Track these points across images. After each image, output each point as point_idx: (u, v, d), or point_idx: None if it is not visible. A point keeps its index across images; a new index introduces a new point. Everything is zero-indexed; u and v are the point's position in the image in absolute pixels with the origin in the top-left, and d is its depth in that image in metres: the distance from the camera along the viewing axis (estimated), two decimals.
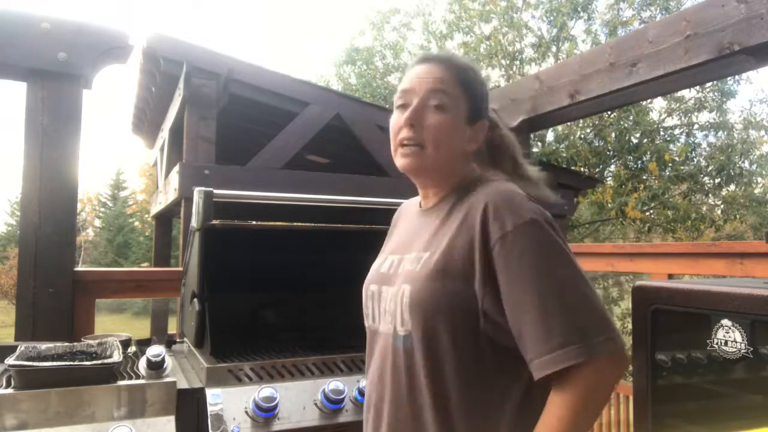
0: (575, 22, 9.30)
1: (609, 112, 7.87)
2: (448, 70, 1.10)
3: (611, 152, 8.69)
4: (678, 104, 9.15)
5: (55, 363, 1.49)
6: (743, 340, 1.08)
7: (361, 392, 1.66)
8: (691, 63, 2.16)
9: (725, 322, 1.11)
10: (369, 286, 1.18)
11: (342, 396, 1.66)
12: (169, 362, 1.65)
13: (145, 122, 6.66)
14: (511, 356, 0.97)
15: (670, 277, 2.71)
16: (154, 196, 7.67)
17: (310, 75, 15.20)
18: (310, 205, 2.07)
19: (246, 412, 1.56)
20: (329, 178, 4.93)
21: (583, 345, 0.89)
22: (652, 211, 8.20)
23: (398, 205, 1.37)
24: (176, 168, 4.53)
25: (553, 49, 9.51)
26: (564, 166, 8.03)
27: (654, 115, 9.18)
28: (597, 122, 8.57)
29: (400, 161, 1.10)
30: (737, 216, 8.64)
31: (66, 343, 1.72)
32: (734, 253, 2.38)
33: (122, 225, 22.79)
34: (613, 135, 8.44)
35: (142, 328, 9.43)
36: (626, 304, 10.00)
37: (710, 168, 8.18)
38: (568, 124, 8.69)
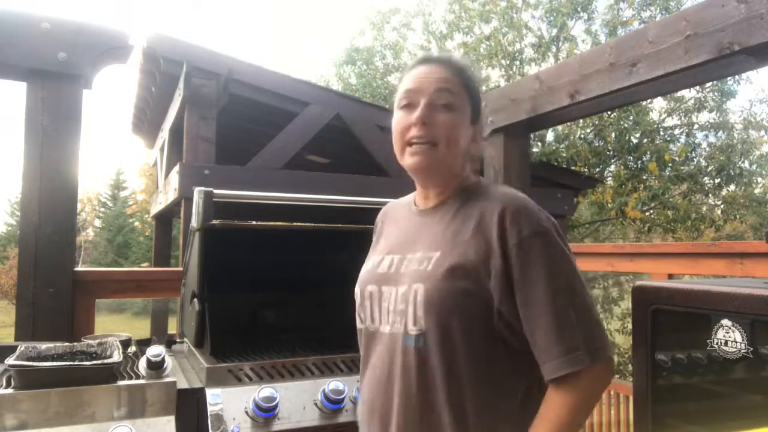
0: (575, 22, 9.30)
1: (609, 112, 7.86)
2: (451, 70, 1.13)
3: (611, 152, 8.69)
4: (678, 104, 9.15)
5: (55, 363, 1.49)
6: (743, 340, 1.08)
7: None
8: (691, 63, 2.16)
9: (725, 322, 1.11)
10: (366, 287, 1.16)
11: (342, 396, 1.66)
12: (169, 362, 1.65)
13: (145, 122, 6.66)
14: (519, 357, 1.03)
15: (670, 277, 2.71)
16: (154, 196, 7.67)
17: (310, 75, 15.22)
18: (310, 205, 2.07)
19: (246, 412, 1.56)
20: (329, 178, 4.93)
21: (587, 352, 0.97)
22: (652, 211, 8.20)
23: None
24: (176, 168, 4.53)
25: (553, 49, 9.51)
26: (564, 166, 8.02)
27: (654, 115, 9.18)
28: (597, 122, 8.57)
29: (410, 159, 1.10)
30: (737, 216, 8.64)
31: (66, 343, 1.72)
32: (734, 253, 2.38)
33: (122, 225, 22.80)
34: (613, 135, 8.44)
35: (142, 328, 9.43)
36: (626, 304, 10.00)
37: (710, 168, 8.18)
38: (568, 124, 8.68)
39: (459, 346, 1.02)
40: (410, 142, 1.10)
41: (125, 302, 17.76)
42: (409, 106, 1.11)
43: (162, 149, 6.42)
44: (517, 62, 9.92)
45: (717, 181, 8.30)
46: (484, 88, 9.93)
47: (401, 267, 1.12)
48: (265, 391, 1.57)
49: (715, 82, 8.08)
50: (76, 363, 1.51)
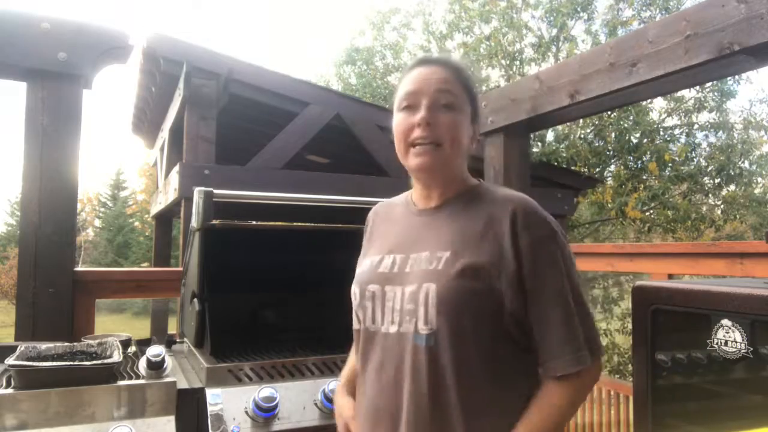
0: (575, 22, 9.30)
1: (609, 112, 7.86)
2: (451, 71, 1.14)
3: (611, 152, 8.68)
4: (678, 104, 9.14)
5: (55, 363, 1.49)
6: (743, 340, 1.08)
7: None
8: (691, 63, 2.16)
9: (725, 322, 1.11)
10: (367, 286, 1.15)
11: None
12: (169, 362, 1.65)
13: (145, 122, 6.66)
14: (525, 356, 1.06)
15: (670, 277, 2.71)
16: (154, 196, 7.68)
17: (310, 75, 15.22)
18: (310, 205, 2.07)
19: (246, 412, 1.56)
20: (329, 178, 4.93)
21: (590, 351, 1.04)
22: (652, 211, 8.20)
23: None
24: (176, 168, 4.53)
25: (553, 49, 9.50)
26: (564, 166, 8.02)
27: (654, 115, 9.18)
28: (597, 122, 8.57)
29: (415, 160, 1.11)
30: (737, 216, 8.63)
31: (66, 343, 1.72)
32: (734, 253, 2.38)
33: (122, 225, 22.80)
34: (613, 135, 8.43)
35: (142, 328, 9.43)
36: (626, 304, 10.00)
37: (710, 168, 8.17)
38: (568, 124, 8.68)
39: (470, 345, 1.03)
40: (414, 143, 1.11)
41: (125, 302, 17.76)
42: (410, 108, 1.12)
43: (162, 149, 6.42)
44: (517, 62, 9.92)
45: (717, 181, 8.30)
46: (484, 88, 9.93)
47: (406, 266, 1.11)
48: (265, 391, 1.57)
49: (715, 82, 8.08)
50: (76, 363, 1.51)
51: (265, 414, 1.56)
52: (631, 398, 2.43)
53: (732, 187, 8.36)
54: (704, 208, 9.18)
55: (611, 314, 10.00)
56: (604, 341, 8.86)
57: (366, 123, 5.10)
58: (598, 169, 8.87)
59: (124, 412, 1.48)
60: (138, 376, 1.59)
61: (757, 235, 9.74)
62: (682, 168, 8.16)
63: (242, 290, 2.00)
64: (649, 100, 8.15)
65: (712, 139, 9.02)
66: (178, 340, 2.14)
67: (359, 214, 2.02)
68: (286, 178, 4.64)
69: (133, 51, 2.51)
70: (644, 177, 8.22)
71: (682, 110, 9.15)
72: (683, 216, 7.57)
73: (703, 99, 8.84)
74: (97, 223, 25.71)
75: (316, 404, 1.65)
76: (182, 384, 1.63)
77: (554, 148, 8.66)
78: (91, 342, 1.75)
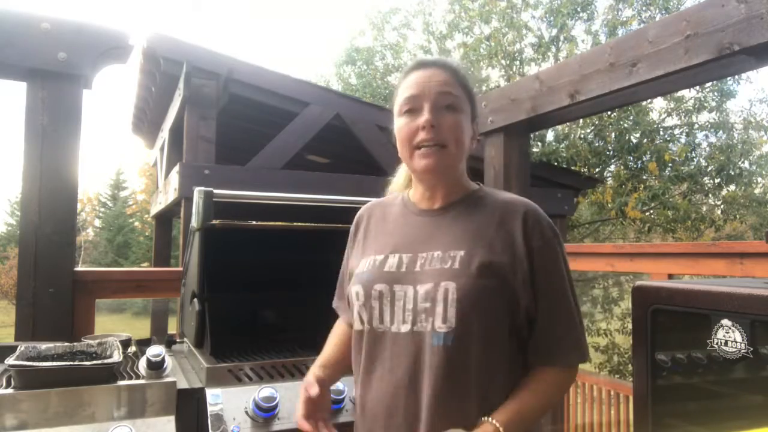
0: (575, 22, 9.30)
1: (609, 112, 7.86)
2: (449, 72, 1.16)
3: (611, 152, 8.68)
4: (678, 104, 9.14)
5: (55, 363, 1.49)
6: (743, 340, 1.08)
7: None
8: (691, 63, 2.16)
9: (725, 322, 1.11)
10: (373, 286, 1.14)
11: (342, 396, 1.66)
12: (169, 362, 1.65)
13: (145, 122, 6.66)
14: (523, 349, 1.12)
15: (670, 277, 2.71)
16: (154, 196, 7.68)
17: (310, 75, 15.20)
18: (310, 205, 2.07)
19: (246, 412, 1.56)
20: (329, 178, 4.93)
21: (585, 349, 1.14)
22: (652, 211, 8.19)
23: None
24: (176, 168, 4.54)
25: (553, 49, 9.50)
26: (564, 166, 8.02)
27: (654, 115, 9.17)
28: (597, 122, 8.56)
29: (422, 162, 1.12)
30: (737, 216, 8.63)
31: (66, 343, 1.72)
32: (734, 253, 2.38)
33: (122, 225, 22.80)
34: (613, 135, 8.43)
35: (142, 328, 9.43)
36: (626, 304, 10.00)
37: (710, 168, 8.17)
38: (568, 124, 8.68)
39: (488, 341, 1.06)
40: (419, 146, 1.12)
41: (125, 302, 17.76)
42: (412, 111, 1.13)
43: (162, 149, 6.42)
44: (517, 62, 9.91)
45: (717, 181, 8.29)
46: (484, 88, 9.93)
47: (415, 266, 1.12)
48: (265, 391, 1.57)
49: (715, 82, 8.08)
50: (76, 363, 1.51)
51: (265, 414, 1.56)
52: (631, 398, 2.43)
53: (732, 187, 8.35)
54: (704, 208, 9.18)
55: (611, 314, 9.99)
56: (604, 341, 8.87)
57: (366, 123, 5.10)
58: (598, 169, 8.87)
59: (124, 412, 1.48)
60: (138, 376, 1.59)
61: (757, 235, 9.74)
62: (682, 168, 8.16)
63: (242, 290, 2.00)
64: (649, 100, 8.14)
65: (712, 139, 9.02)
66: (178, 340, 2.14)
67: None
68: (286, 178, 4.64)
69: (133, 51, 2.51)
70: (644, 177, 8.22)
71: (682, 110, 9.15)
72: (683, 216, 7.56)
73: (703, 99, 8.83)
74: (97, 223, 25.72)
75: None
76: (182, 384, 1.63)
77: (554, 148, 8.66)
78: (91, 342, 1.75)
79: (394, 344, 1.10)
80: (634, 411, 1.32)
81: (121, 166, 37.60)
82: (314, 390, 1.11)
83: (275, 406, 1.57)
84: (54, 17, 2.30)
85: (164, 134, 6.11)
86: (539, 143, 9.06)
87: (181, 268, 2.25)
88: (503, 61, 9.87)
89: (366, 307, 1.14)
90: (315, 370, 1.22)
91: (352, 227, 1.33)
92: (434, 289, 1.07)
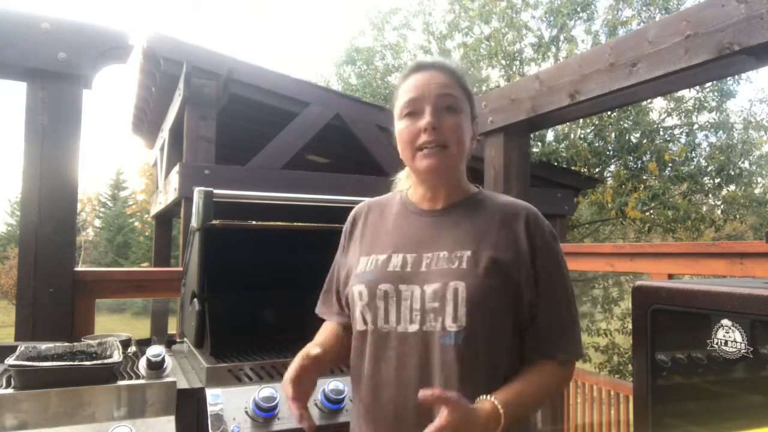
0: (575, 22, 9.29)
1: (609, 112, 7.86)
2: (448, 74, 1.17)
3: (611, 152, 8.68)
4: (678, 104, 9.14)
5: (55, 363, 1.49)
6: (743, 340, 1.08)
7: None
8: (691, 63, 2.16)
9: (725, 322, 1.11)
10: (378, 286, 1.13)
11: (342, 396, 1.66)
12: (169, 362, 1.65)
13: (145, 122, 6.66)
14: (522, 345, 1.14)
15: (670, 277, 2.71)
16: (154, 196, 7.68)
17: (310, 75, 15.18)
18: (310, 205, 2.07)
19: (246, 412, 1.56)
20: (329, 178, 4.93)
21: (581, 347, 1.17)
22: (652, 211, 8.19)
23: None
24: (176, 168, 4.54)
25: (553, 49, 9.50)
26: (564, 166, 8.02)
27: (654, 115, 9.17)
28: (597, 122, 8.56)
29: (424, 162, 1.13)
30: (737, 216, 8.62)
31: (66, 343, 1.72)
32: (734, 253, 2.38)
33: (122, 225, 22.79)
34: (613, 135, 8.43)
35: (142, 328, 9.43)
36: (626, 304, 9.99)
37: (710, 168, 8.16)
38: (568, 124, 8.67)
39: (494, 339, 1.08)
40: (421, 148, 1.13)
41: (125, 302, 17.76)
42: (413, 114, 1.14)
43: (162, 149, 6.42)
44: (517, 62, 9.91)
45: (717, 181, 8.28)
46: (484, 88, 9.93)
47: (420, 265, 1.12)
48: (265, 391, 1.57)
49: (715, 82, 8.08)
50: (76, 363, 1.51)
51: (265, 414, 1.56)
52: (631, 398, 2.43)
53: (732, 187, 8.34)
54: (704, 208, 9.18)
55: (611, 314, 9.99)
56: (604, 341, 8.87)
57: (366, 123, 5.11)
58: (598, 169, 8.87)
59: (124, 412, 1.48)
60: (138, 376, 1.59)
61: (757, 235, 9.73)
62: (682, 168, 8.15)
63: (242, 290, 2.00)
64: (649, 100, 8.14)
65: (712, 139, 9.01)
66: (178, 340, 2.14)
67: None
68: (286, 178, 4.64)
69: (133, 51, 2.52)
70: (644, 177, 8.22)
71: (682, 110, 9.15)
72: (683, 216, 7.56)
73: (703, 99, 8.83)
74: (97, 223, 25.70)
75: (315, 404, 1.65)
76: (182, 384, 1.63)
77: (554, 148, 8.65)
78: (91, 342, 1.75)
79: (402, 344, 1.10)
80: (634, 411, 1.32)
81: (121, 166, 37.58)
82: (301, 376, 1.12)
83: (275, 406, 1.57)
84: (54, 17, 2.30)
85: (164, 134, 6.11)
86: (539, 143, 9.06)
87: (181, 268, 2.25)
88: (503, 61, 9.86)
89: (370, 307, 1.14)
90: (311, 348, 1.18)
91: (348, 225, 1.32)
92: (443, 289, 1.07)
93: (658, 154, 7.83)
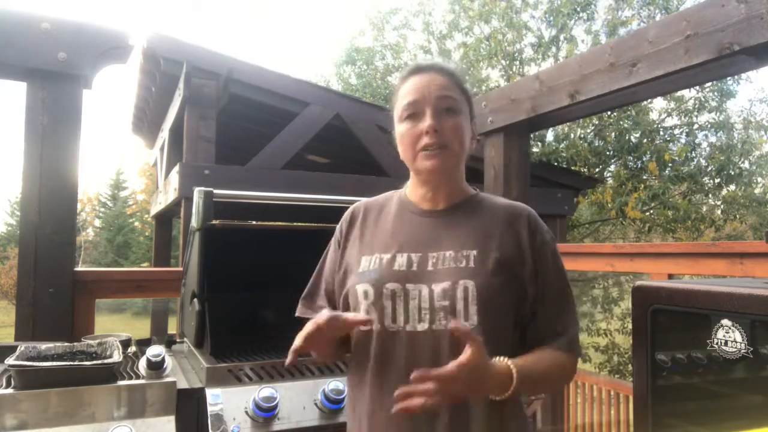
0: (575, 22, 9.29)
1: (609, 112, 7.86)
2: (446, 75, 1.18)
3: (611, 152, 8.67)
4: (678, 104, 9.13)
5: (55, 363, 1.49)
6: (743, 340, 1.08)
7: None
8: (691, 63, 2.16)
9: (725, 322, 1.11)
10: (384, 285, 1.12)
11: (342, 396, 1.66)
12: (169, 362, 1.65)
13: (145, 122, 6.66)
14: (522, 342, 1.16)
15: (670, 277, 2.71)
16: (154, 196, 7.68)
17: (310, 75, 15.18)
18: (310, 204, 2.07)
19: (246, 412, 1.56)
20: (329, 178, 4.93)
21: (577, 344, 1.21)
22: (652, 211, 8.19)
23: None
24: (176, 168, 4.54)
25: (553, 49, 9.50)
26: (564, 166, 8.02)
27: (654, 115, 9.17)
28: (597, 122, 8.56)
29: (426, 163, 1.15)
30: (737, 216, 8.62)
31: (66, 343, 1.72)
32: (734, 253, 2.38)
33: (122, 225, 22.80)
34: (613, 135, 8.42)
35: (142, 328, 9.43)
36: (626, 304, 9.99)
37: (710, 168, 8.16)
38: (568, 124, 8.67)
39: (505, 336, 1.11)
40: (423, 149, 1.15)
41: (125, 302, 17.76)
42: (413, 117, 1.16)
43: (162, 149, 6.42)
44: (517, 62, 9.91)
45: (717, 181, 8.28)
46: (483, 88, 9.92)
47: (427, 265, 1.13)
48: (265, 391, 1.57)
49: (715, 82, 8.07)
50: (76, 363, 1.51)
51: (265, 414, 1.56)
52: (631, 398, 2.43)
53: (732, 187, 8.34)
54: (704, 208, 9.17)
55: (611, 314, 9.99)
56: (604, 341, 8.87)
57: (366, 123, 5.10)
58: (598, 169, 8.87)
59: (124, 412, 1.48)
60: (138, 376, 1.59)
61: (757, 235, 9.73)
62: (682, 168, 8.15)
63: (242, 290, 2.00)
64: (649, 100, 8.14)
65: (712, 139, 9.01)
66: (178, 340, 2.14)
67: None
68: (286, 178, 4.64)
69: (133, 51, 2.52)
70: (644, 177, 8.21)
71: (682, 110, 9.15)
72: (683, 216, 7.56)
73: (703, 99, 8.83)
74: (97, 223, 25.70)
75: (316, 404, 1.65)
76: (182, 384, 1.63)
77: (554, 148, 8.65)
78: (91, 342, 1.75)
79: (411, 344, 1.10)
80: (634, 411, 1.32)
81: (121, 166, 37.59)
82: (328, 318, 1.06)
83: (275, 406, 1.57)
84: (54, 17, 2.30)
85: (164, 134, 6.11)
86: (539, 143, 9.05)
87: (181, 268, 2.25)
88: (503, 61, 9.86)
89: (376, 306, 1.13)
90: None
91: (344, 224, 1.30)
92: (452, 288, 1.09)
93: (658, 154, 7.82)
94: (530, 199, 2.90)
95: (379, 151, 5.03)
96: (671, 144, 8.76)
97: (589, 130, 8.90)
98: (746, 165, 8.47)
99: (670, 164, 7.96)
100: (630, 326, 2.51)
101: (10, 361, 1.47)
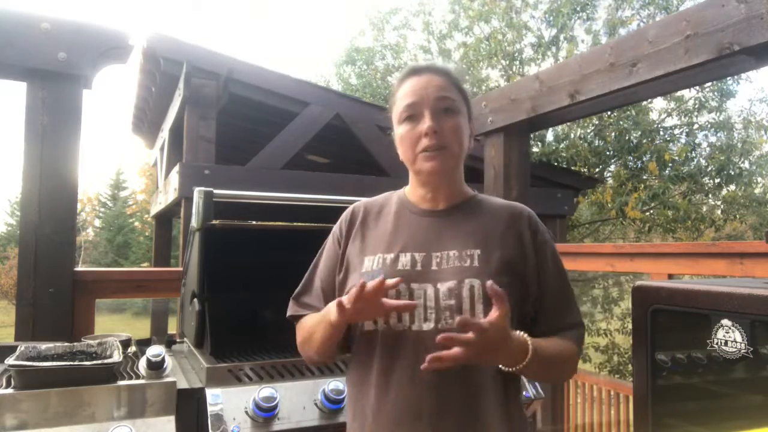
0: (575, 22, 9.29)
1: (609, 112, 7.86)
2: (444, 76, 1.19)
3: (611, 152, 8.67)
4: (678, 104, 9.13)
5: (55, 363, 1.49)
6: (743, 340, 1.08)
7: None
8: (691, 63, 2.16)
9: (725, 322, 1.11)
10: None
11: (342, 396, 1.65)
12: (169, 362, 1.65)
13: (145, 122, 6.66)
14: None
15: (670, 277, 2.71)
16: (154, 196, 7.68)
17: (310, 75, 15.17)
18: (310, 205, 2.07)
19: (246, 412, 1.56)
20: (329, 178, 4.93)
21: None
22: (652, 211, 8.19)
23: None
24: (176, 168, 4.54)
25: (553, 49, 9.50)
26: (564, 166, 8.02)
27: (654, 115, 9.16)
28: (597, 122, 8.56)
29: (426, 164, 1.15)
30: (737, 216, 8.62)
31: (66, 343, 1.72)
32: (734, 253, 2.38)
33: (122, 225, 22.79)
34: (613, 135, 8.42)
35: (142, 328, 9.43)
36: (626, 304, 9.99)
37: (710, 168, 8.16)
38: (568, 123, 8.67)
39: None
40: (422, 151, 1.15)
41: (125, 302, 17.76)
42: (412, 118, 1.16)
43: (162, 149, 6.42)
44: (517, 62, 9.91)
45: (717, 181, 8.28)
46: (483, 88, 9.92)
47: (431, 264, 1.13)
48: (265, 391, 1.57)
49: (715, 82, 8.07)
50: (76, 363, 1.51)
51: (265, 414, 1.56)
52: (631, 398, 2.43)
53: (732, 187, 8.34)
54: (704, 208, 9.17)
55: (611, 314, 9.99)
56: (604, 341, 8.87)
57: (366, 123, 5.10)
58: (598, 169, 8.86)
59: (124, 412, 1.48)
60: (138, 376, 1.59)
61: (757, 235, 9.73)
62: (682, 168, 8.15)
63: (242, 290, 2.00)
64: (649, 100, 8.14)
65: (712, 139, 9.01)
66: (178, 340, 2.14)
67: None
68: (286, 178, 4.64)
69: (133, 51, 2.52)
70: (644, 177, 8.21)
71: (682, 110, 9.14)
72: (683, 216, 7.55)
73: (703, 99, 8.83)
74: (97, 223, 25.70)
75: (316, 404, 1.65)
76: (182, 384, 1.63)
77: (554, 148, 8.65)
78: (91, 342, 1.75)
79: (417, 343, 1.09)
80: (634, 411, 1.32)
81: (121, 166, 37.55)
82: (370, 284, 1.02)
83: (275, 406, 1.57)
84: (54, 17, 2.30)
85: (164, 134, 6.11)
86: (539, 143, 9.05)
87: (181, 268, 2.25)
88: (503, 61, 9.86)
89: None
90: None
91: (344, 224, 1.29)
92: (458, 287, 1.09)
93: (658, 154, 7.82)
94: (530, 199, 2.90)
95: (379, 151, 5.03)
96: (671, 144, 8.76)
97: (589, 130, 8.90)
98: (746, 165, 8.47)
99: (670, 164, 7.96)
100: (630, 326, 2.51)
101: (10, 361, 1.47)
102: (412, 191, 1.25)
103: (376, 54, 12.68)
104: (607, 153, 8.72)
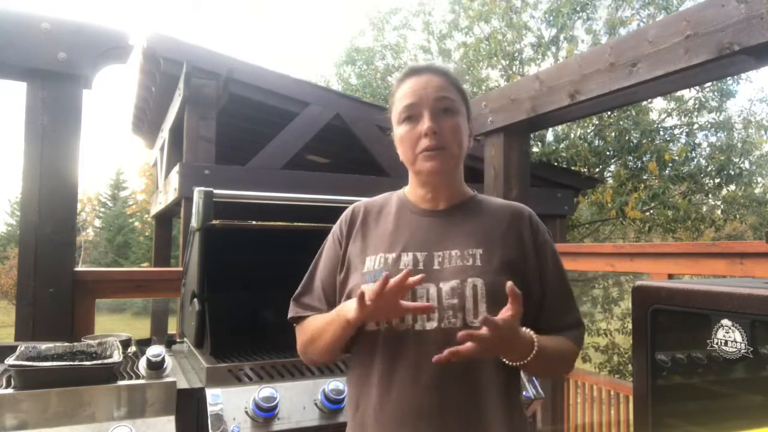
0: (575, 22, 9.29)
1: (609, 112, 7.86)
2: (442, 76, 1.19)
3: (611, 152, 8.67)
4: (678, 104, 9.13)
5: (55, 363, 1.49)
6: (743, 340, 1.08)
7: None
8: (691, 63, 2.16)
9: (725, 322, 1.11)
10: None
11: (342, 396, 1.66)
12: (169, 362, 1.65)
13: (145, 122, 6.66)
14: None
15: (670, 277, 2.71)
16: (154, 196, 7.68)
17: (310, 75, 15.17)
18: (310, 205, 2.07)
19: (246, 412, 1.56)
20: (329, 178, 4.93)
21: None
22: (652, 211, 8.18)
23: None
24: (176, 168, 4.54)
25: (553, 49, 9.50)
26: (564, 166, 8.01)
27: (654, 115, 9.16)
28: (597, 122, 8.56)
29: (426, 164, 1.15)
30: (737, 216, 8.62)
31: (66, 343, 1.72)
32: (734, 253, 2.38)
33: (122, 225, 22.79)
34: (613, 135, 8.42)
35: (142, 328, 9.43)
36: (626, 304, 9.99)
37: (710, 168, 8.15)
38: (568, 124, 8.67)
39: None
40: (422, 151, 1.15)
41: (125, 302, 17.76)
42: (411, 119, 1.16)
43: (162, 149, 6.43)
44: (517, 62, 9.91)
45: (717, 181, 8.28)
46: (483, 88, 9.92)
47: (433, 264, 1.13)
48: (265, 391, 1.57)
49: (715, 82, 8.07)
50: (76, 363, 1.51)
51: (265, 414, 1.56)
52: (631, 398, 2.43)
53: (732, 187, 8.34)
54: (704, 208, 9.17)
55: (611, 314, 9.98)
56: (604, 341, 8.87)
57: (366, 123, 5.10)
58: (598, 169, 8.86)
59: (124, 412, 1.48)
60: (138, 376, 1.59)
61: (757, 235, 9.72)
62: (682, 168, 8.15)
63: (242, 290, 2.00)
64: (649, 100, 8.14)
65: (712, 139, 9.01)
66: (178, 340, 2.14)
67: None
68: (286, 178, 4.64)
69: (133, 51, 2.52)
70: (644, 177, 8.21)
71: (682, 110, 9.14)
72: (683, 216, 7.55)
73: (703, 99, 8.83)
74: (97, 223, 25.70)
75: (316, 404, 1.65)
76: (182, 384, 1.63)
77: (554, 148, 8.64)
78: (91, 342, 1.75)
79: (420, 342, 1.09)
80: (634, 411, 1.32)
81: (121, 166, 37.57)
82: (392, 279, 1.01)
83: (275, 406, 1.57)
84: (54, 17, 2.30)
85: (164, 134, 6.11)
86: (539, 143, 9.05)
87: (181, 268, 2.25)
88: (503, 61, 9.86)
89: None
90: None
91: (344, 224, 1.28)
92: (461, 286, 1.09)
93: (658, 154, 7.82)
94: (530, 199, 2.90)
95: (379, 151, 5.03)
96: (671, 144, 8.76)
97: (589, 130, 8.90)
98: (746, 165, 8.47)
99: (670, 164, 7.96)
100: (630, 326, 2.51)
101: (10, 361, 1.47)
102: (412, 191, 1.25)
103: (376, 54, 12.68)
104: (607, 153, 8.72)
